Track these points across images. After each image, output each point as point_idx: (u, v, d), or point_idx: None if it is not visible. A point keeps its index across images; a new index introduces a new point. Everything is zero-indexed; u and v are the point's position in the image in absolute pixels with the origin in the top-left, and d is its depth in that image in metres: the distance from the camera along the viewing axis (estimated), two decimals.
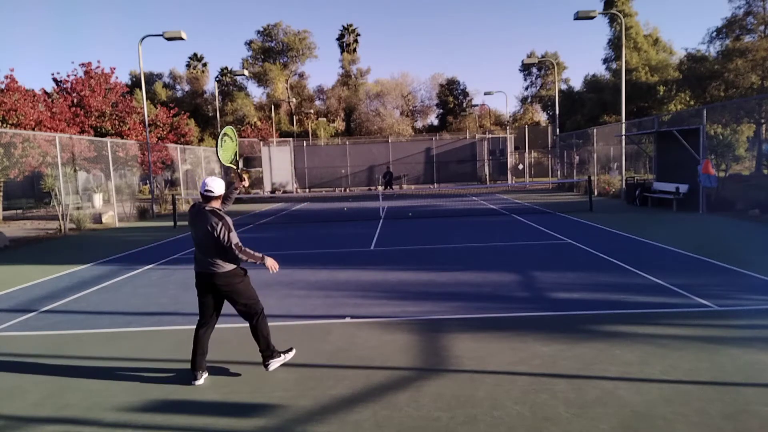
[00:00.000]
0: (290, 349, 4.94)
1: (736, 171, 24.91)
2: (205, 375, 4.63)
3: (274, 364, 4.73)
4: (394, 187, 32.10)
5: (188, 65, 60.45)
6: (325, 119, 59.45)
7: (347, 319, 6.27)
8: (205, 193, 4.52)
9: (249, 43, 57.96)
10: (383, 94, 57.91)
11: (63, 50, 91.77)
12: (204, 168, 31.34)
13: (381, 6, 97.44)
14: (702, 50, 33.87)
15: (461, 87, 62.28)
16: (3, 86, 20.79)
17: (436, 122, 62.77)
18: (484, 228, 14.08)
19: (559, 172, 31.67)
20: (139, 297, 7.83)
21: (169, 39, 20.79)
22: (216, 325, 6.24)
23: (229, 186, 4.90)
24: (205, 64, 60.49)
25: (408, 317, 6.23)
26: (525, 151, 34.74)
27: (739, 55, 29.08)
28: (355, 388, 4.36)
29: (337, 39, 62.22)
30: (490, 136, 36.31)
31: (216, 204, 4.58)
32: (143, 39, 21.66)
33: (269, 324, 6.20)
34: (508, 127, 45.01)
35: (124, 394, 4.40)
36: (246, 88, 58.93)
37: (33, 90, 23.47)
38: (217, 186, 4.55)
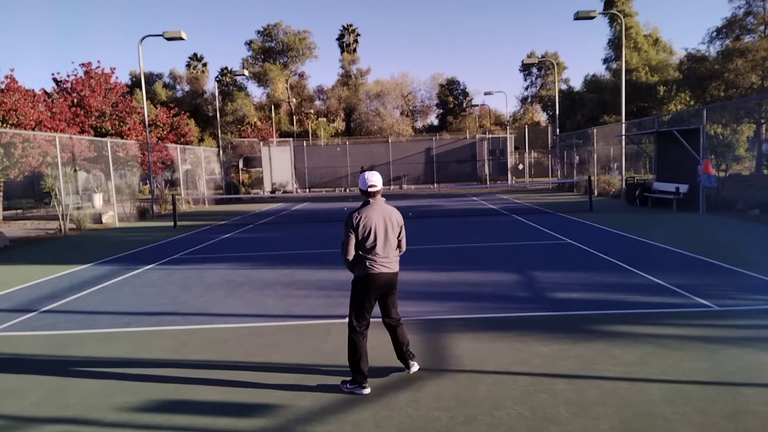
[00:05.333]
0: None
1: (736, 171, 24.93)
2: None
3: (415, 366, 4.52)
4: (385, 187, 32.04)
5: (188, 65, 60.46)
6: (325, 119, 59.45)
7: (347, 319, 6.27)
8: (370, 189, 4.38)
9: (249, 43, 57.98)
10: (383, 94, 57.91)
11: (63, 50, 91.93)
12: (204, 168, 31.34)
13: (381, 6, 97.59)
14: (702, 50, 33.97)
15: (461, 87, 62.34)
16: (3, 86, 20.79)
17: (436, 122, 62.78)
18: (484, 228, 14.08)
19: (559, 172, 31.66)
20: (139, 297, 7.83)
21: (169, 39, 20.80)
22: (216, 325, 6.27)
23: None
24: (205, 64, 60.52)
25: (408, 317, 6.22)
26: (525, 151, 34.75)
27: (739, 55, 29.11)
28: None
29: (337, 39, 62.28)
30: (490, 136, 36.30)
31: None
32: (143, 39, 21.71)
33: (269, 324, 6.21)
34: (508, 127, 45.01)
35: (124, 394, 4.40)
36: (246, 88, 58.99)
37: (33, 90, 23.49)
38: (380, 180, 4.48)
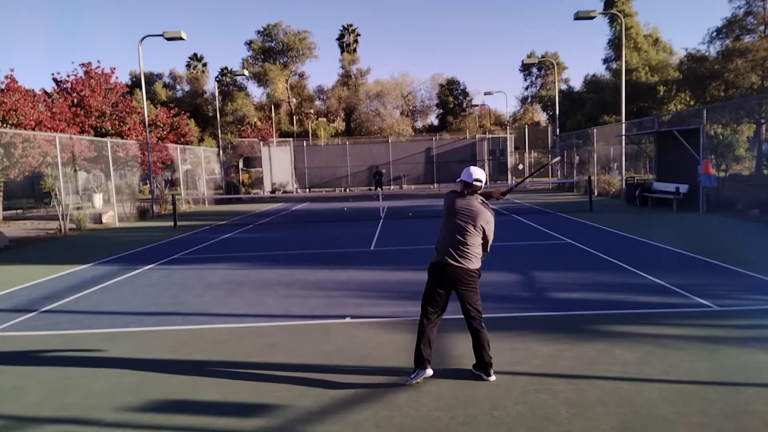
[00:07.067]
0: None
1: (736, 171, 24.92)
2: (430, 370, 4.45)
3: (492, 377, 4.41)
4: (386, 187, 32.06)
5: (188, 65, 60.41)
6: (325, 119, 59.43)
7: (347, 319, 6.27)
8: (475, 182, 4.49)
9: (249, 43, 57.94)
10: (383, 94, 57.86)
11: (63, 50, 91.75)
12: (204, 168, 31.32)
13: (381, 6, 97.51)
14: (702, 50, 33.88)
15: (461, 87, 62.29)
16: (3, 86, 20.78)
17: (436, 122, 62.75)
18: None
19: (559, 172, 31.66)
20: (139, 297, 7.83)
21: (169, 39, 20.79)
22: (216, 325, 6.27)
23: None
24: (205, 64, 60.46)
25: (408, 317, 6.22)
26: (525, 151, 34.74)
27: (739, 55, 29.07)
28: (355, 388, 4.36)
29: (337, 39, 62.20)
30: (490, 136, 36.31)
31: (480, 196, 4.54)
32: (143, 39, 21.69)
33: (269, 324, 6.21)
34: (508, 127, 45.00)
35: (124, 394, 4.40)
36: (246, 88, 58.91)
37: (33, 90, 23.46)
38: (484, 176, 4.56)
